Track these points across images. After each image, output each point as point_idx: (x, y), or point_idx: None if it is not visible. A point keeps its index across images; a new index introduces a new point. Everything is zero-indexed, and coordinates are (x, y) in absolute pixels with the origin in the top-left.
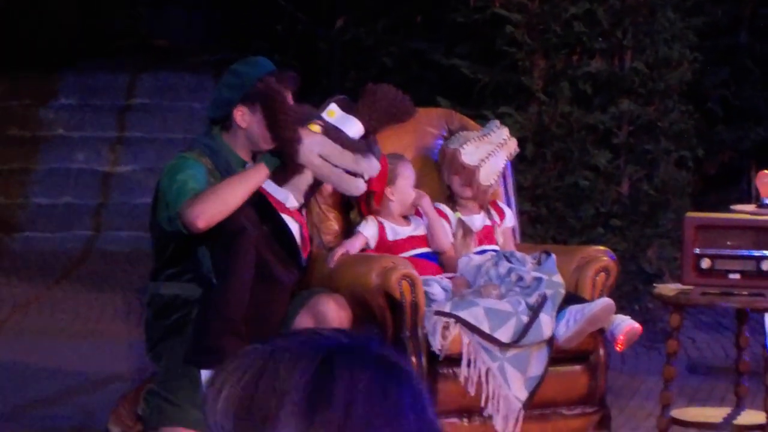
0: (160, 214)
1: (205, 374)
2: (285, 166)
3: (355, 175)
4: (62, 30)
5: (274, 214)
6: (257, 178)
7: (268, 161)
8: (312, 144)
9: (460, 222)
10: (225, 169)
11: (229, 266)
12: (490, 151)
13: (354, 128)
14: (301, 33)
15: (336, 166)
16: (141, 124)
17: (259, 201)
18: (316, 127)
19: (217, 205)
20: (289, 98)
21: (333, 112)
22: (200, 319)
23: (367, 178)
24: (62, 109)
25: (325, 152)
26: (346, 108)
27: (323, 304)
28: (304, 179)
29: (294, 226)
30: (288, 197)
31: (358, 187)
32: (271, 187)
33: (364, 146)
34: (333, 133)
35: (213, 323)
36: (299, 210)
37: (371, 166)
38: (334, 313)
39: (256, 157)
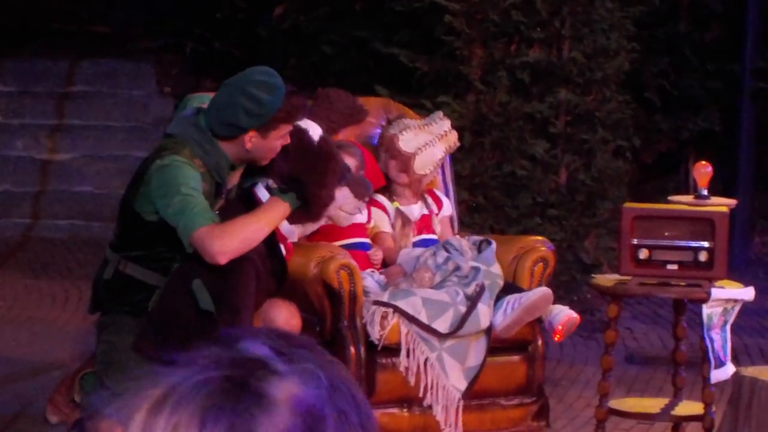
0: (144, 205)
1: None
2: (306, 210)
3: None
4: (0, 15)
5: (278, 250)
6: (282, 218)
7: (292, 202)
8: (338, 199)
9: (399, 212)
10: (216, 170)
11: (237, 296)
12: (428, 141)
13: (315, 133)
14: (242, 20)
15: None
16: (80, 112)
17: (269, 235)
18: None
19: (241, 245)
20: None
21: None
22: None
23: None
24: (1, 96)
25: (343, 204)
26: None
27: (274, 311)
28: (317, 225)
29: (283, 253)
30: (293, 234)
31: (351, 219)
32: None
33: (366, 192)
34: (352, 183)
35: None
36: None
37: (363, 208)
38: (283, 320)
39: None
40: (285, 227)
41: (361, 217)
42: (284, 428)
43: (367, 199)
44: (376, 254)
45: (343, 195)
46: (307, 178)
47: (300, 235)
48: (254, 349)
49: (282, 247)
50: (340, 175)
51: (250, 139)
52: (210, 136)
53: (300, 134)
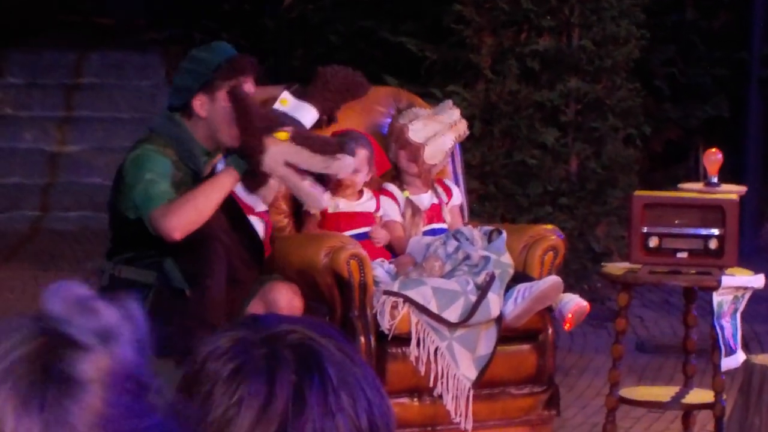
0: (123, 202)
1: None
2: (251, 173)
3: (323, 180)
4: (7, 8)
5: (244, 220)
6: (229, 184)
7: (238, 164)
8: (276, 153)
9: (409, 201)
10: (189, 158)
11: (205, 274)
12: (437, 131)
13: (309, 114)
14: (248, 11)
15: (305, 172)
16: (88, 103)
17: (231, 207)
18: (283, 135)
19: (192, 216)
20: (250, 85)
21: (286, 101)
22: (178, 327)
23: (341, 176)
24: (9, 87)
25: (292, 160)
26: (300, 95)
27: (276, 292)
28: (271, 189)
29: (260, 227)
30: (257, 203)
31: (322, 201)
32: (241, 191)
33: (335, 147)
34: (302, 139)
35: (196, 331)
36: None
37: (343, 166)
38: (286, 301)
39: (221, 148)
40: (248, 197)
41: (370, 206)
42: (101, 408)
43: (345, 157)
44: (378, 233)
45: (281, 149)
46: (236, 130)
47: (267, 202)
48: (65, 321)
49: (259, 219)
50: (260, 120)
51: (201, 105)
52: (180, 123)
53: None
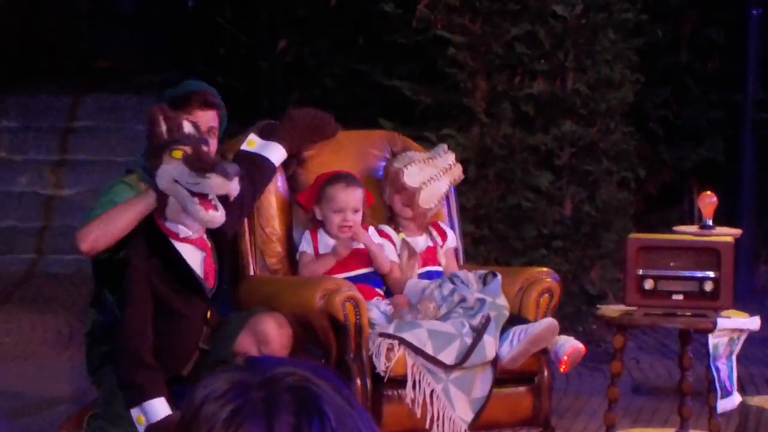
0: None
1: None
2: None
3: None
4: (3, 51)
5: (165, 244)
6: (144, 203)
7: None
8: (164, 171)
9: (405, 243)
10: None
11: (125, 299)
12: (433, 175)
13: (276, 153)
14: (243, 54)
15: (191, 192)
16: (84, 147)
17: (150, 232)
18: (177, 153)
19: (99, 228)
20: (211, 118)
21: (253, 142)
22: (114, 357)
23: (211, 196)
24: (4, 131)
25: (176, 178)
26: (267, 134)
27: (263, 323)
28: (175, 208)
29: (196, 255)
30: (178, 228)
31: (212, 219)
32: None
33: (208, 166)
34: (187, 157)
35: (123, 360)
36: (208, 237)
37: (208, 185)
38: (274, 331)
39: None
40: (170, 223)
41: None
42: None
43: (213, 177)
44: (363, 236)
45: (169, 167)
46: None
47: (193, 227)
48: None
49: (192, 246)
50: (160, 141)
51: None
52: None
53: None
